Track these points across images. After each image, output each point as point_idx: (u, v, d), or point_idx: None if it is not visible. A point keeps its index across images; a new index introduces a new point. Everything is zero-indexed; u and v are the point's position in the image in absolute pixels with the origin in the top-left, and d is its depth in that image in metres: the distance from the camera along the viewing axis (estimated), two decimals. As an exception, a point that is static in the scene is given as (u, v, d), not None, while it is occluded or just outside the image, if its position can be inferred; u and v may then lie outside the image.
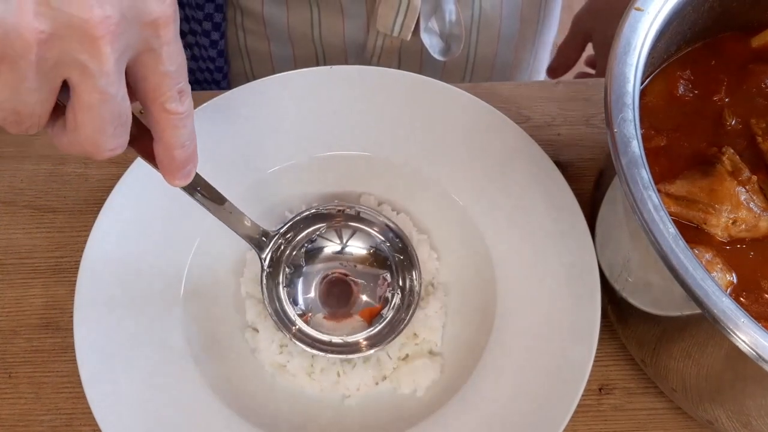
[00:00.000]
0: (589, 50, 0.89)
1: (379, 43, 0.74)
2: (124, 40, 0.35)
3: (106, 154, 0.38)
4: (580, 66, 0.94)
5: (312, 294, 0.56)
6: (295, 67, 0.63)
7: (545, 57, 0.93)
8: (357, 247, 0.58)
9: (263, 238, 0.54)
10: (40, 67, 0.34)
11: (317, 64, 0.63)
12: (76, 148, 0.38)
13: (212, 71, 0.78)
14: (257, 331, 0.55)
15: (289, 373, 0.54)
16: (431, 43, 0.74)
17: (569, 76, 0.91)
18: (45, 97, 0.36)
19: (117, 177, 0.56)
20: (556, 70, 0.90)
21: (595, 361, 0.50)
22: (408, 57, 0.77)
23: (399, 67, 0.75)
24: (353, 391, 0.54)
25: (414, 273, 0.56)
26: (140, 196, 0.56)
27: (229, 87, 0.80)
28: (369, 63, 0.76)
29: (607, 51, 0.46)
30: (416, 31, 0.73)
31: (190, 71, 0.80)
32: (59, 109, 0.38)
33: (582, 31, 0.85)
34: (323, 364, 0.54)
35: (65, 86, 0.36)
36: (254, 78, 0.60)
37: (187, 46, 0.78)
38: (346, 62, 0.77)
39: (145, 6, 0.36)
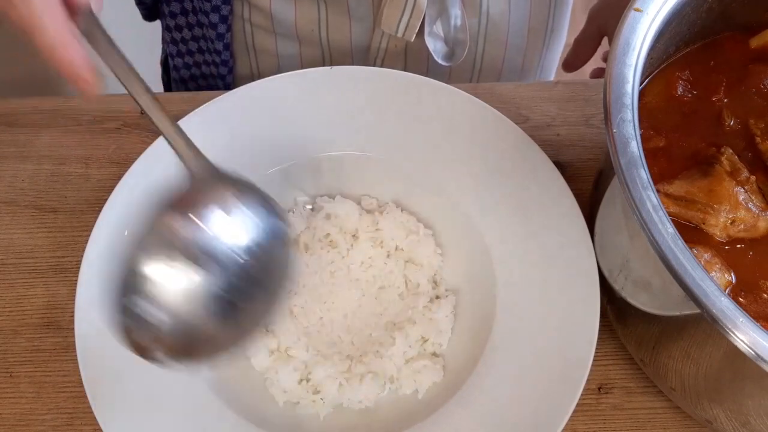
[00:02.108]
0: (605, 46, 0.86)
1: (383, 44, 0.74)
2: None
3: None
4: (597, 61, 0.91)
5: None
6: (301, 67, 0.63)
7: (553, 66, 0.91)
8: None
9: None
10: None
11: (323, 65, 0.63)
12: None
13: (218, 65, 0.78)
14: None
15: (279, 384, 0.54)
16: (435, 47, 0.74)
17: (585, 69, 0.88)
18: None
19: (118, 177, 0.56)
20: (571, 64, 0.87)
21: (594, 360, 0.50)
22: (414, 62, 0.77)
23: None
24: (355, 404, 0.54)
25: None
26: (141, 195, 0.56)
27: (234, 82, 0.80)
28: (373, 65, 0.76)
29: None
30: (421, 34, 0.72)
31: (197, 64, 0.81)
32: None
33: (597, 26, 0.84)
34: (321, 376, 0.54)
35: None
36: (260, 77, 0.60)
37: (193, 39, 0.79)
38: (350, 64, 0.77)
39: None
